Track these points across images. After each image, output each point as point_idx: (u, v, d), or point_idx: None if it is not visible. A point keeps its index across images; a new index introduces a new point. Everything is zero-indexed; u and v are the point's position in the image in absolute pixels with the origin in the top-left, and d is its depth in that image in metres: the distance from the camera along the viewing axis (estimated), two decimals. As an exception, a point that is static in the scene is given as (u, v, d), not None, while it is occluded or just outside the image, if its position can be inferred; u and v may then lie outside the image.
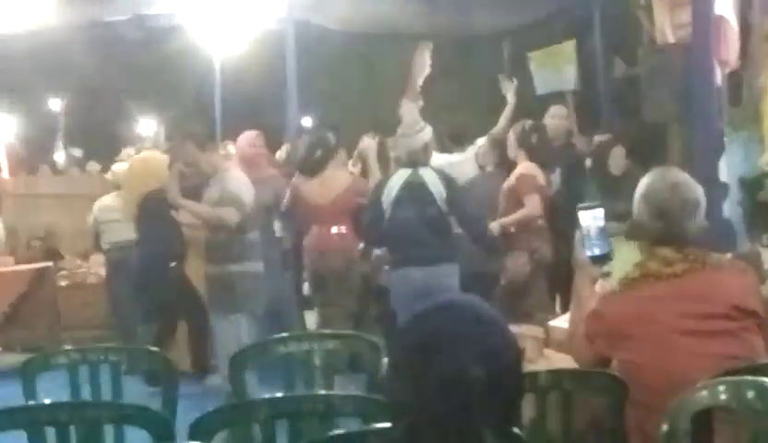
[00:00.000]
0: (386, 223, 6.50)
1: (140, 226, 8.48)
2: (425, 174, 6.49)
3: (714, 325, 3.40)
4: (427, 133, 6.69)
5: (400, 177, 6.54)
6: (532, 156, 7.12)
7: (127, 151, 11.95)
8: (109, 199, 9.71)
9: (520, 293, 6.83)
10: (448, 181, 6.53)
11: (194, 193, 6.65)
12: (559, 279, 6.62)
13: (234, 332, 6.35)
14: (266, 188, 7.59)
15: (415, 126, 6.69)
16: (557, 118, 8.72)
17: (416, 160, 6.56)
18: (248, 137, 8.11)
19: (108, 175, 10.34)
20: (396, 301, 6.55)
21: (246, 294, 6.43)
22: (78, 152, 13.12)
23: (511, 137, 7.34)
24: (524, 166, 7.08)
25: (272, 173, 8.23)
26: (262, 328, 6.72)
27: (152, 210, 8.04)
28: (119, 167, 9.95)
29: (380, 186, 6.64)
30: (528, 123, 7.35)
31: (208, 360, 7.94)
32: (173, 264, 8.21)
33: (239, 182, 6.44)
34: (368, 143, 8.26)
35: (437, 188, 6.43)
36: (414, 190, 6.44)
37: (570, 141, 8.88)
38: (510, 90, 8.72)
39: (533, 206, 6.91)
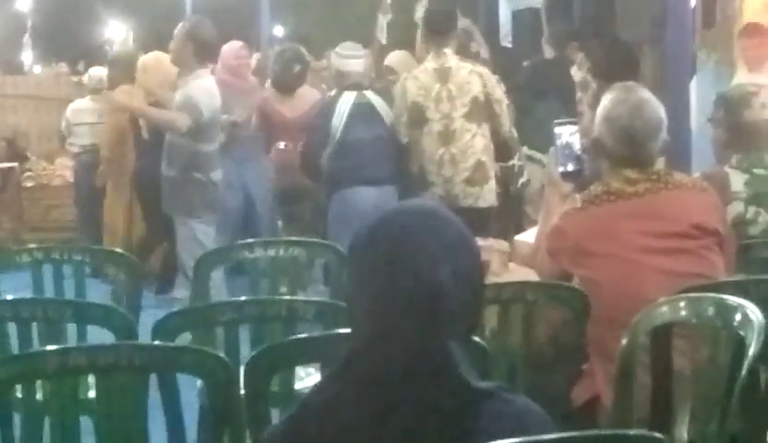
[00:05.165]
0: (334, 146, 6.42)
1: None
2: (371, 96, 6.50)
3: (674, 243, 3.42)
4: (366, 58, 6.78)
5: (348, 98, 6.45)
6: None
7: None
8: (84, 102, 9.61)
9: None
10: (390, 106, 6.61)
11: None
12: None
13: (192, 236, 6.39)
14: (250, 98, 7.59)
15: (357, 49, 6.69)
16: None
17: (360, 82, 6.56)
18: (234, 47, 8.01)
19: (84, 79, 10.20)
20: (338, 221, 6.46)
21: (196, 201, 6.44)
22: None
23: None
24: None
25: (255, 83, 8.19)
26: (234, 234, 6.80)
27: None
28: (96, 71, 9.83)
29: (328, 109, 6.54)
30: None
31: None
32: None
33: (201, 89, 6.37)
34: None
35: (384, 110, 6.46)
36: (365, 111, 6.42)
37: None
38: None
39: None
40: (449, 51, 6.22)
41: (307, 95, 7.50)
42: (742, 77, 6.72)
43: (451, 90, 6.09)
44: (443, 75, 6.12)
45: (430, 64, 6.16)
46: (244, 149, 7.60)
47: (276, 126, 7.56)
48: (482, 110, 6.13)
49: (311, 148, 6.60)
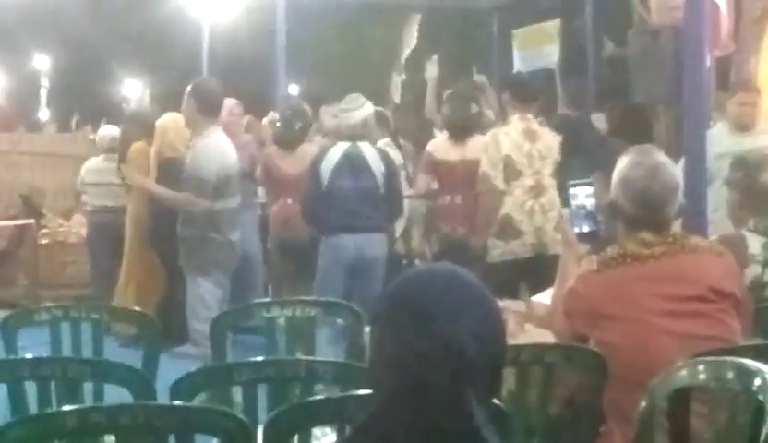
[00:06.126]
0: (323, 193, 6.60)
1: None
2: (363, 148, 6.68)
3: (691, 307, 3.41)
4: (367, 109, 6.84)
5: (339, 149, 6.66)
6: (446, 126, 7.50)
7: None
8: (98, 162, 9.66)
9: None
10: (386, 158, 6.79)
11: None
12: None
13: (198, 294, 6.44)
14: (242, 154, 7.61)
15: (357, 102, 6.83)
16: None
17: (355, 133, 6.70)
18: (228, 104, 8.06)
19: (96, 138, 10.27)
20: (325, 267, 6.66)
21: (209, 260, 6.45)
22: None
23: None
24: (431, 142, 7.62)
25: (247, 139, 8.24)
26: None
27: (173, 177, 7.73)
28: (106, 131, 9.90)
29: (319, 158, 6.72)
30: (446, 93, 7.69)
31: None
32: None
33: (206, 151, 6.40)
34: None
35: (375, 162, 6.64)
36: (353, 161, 6.61)
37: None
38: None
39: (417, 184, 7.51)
40: (531, 116, 6.79)
41: (309, 151, 7.51)
42: (724, 136, 6.73)
43: (540, 150, 6.67)
44: (530, 136, 6.69)
45: (519, 124, 6.70)
46: None
47: (277, 182, 7.70)
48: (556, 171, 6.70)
49: (305, 195, 6.80)
